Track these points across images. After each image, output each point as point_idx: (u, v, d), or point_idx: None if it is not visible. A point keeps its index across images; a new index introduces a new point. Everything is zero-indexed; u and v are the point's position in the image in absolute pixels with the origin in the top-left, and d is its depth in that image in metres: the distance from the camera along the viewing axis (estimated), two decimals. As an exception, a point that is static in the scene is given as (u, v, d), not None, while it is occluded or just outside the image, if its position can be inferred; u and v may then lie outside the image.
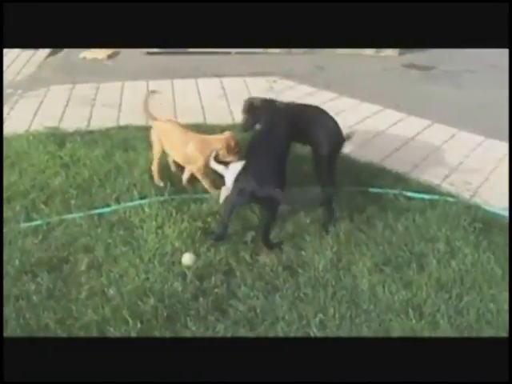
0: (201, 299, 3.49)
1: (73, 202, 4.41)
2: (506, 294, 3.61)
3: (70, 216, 4.23)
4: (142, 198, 4.41)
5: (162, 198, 4.37)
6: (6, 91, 6.79)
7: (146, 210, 4.25)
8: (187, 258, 3.79)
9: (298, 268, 3.79)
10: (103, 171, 4.80)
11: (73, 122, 5.88)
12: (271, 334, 3.28)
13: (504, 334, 3.31)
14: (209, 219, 4.20)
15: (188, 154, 4.42)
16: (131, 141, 5.35)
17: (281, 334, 3.28)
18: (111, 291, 3.53)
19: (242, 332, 3.29)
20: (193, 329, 3.29)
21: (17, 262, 3.76)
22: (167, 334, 3.24)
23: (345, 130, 4.35)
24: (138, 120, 5.59)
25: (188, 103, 6.43)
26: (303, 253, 3.93)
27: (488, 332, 3.33)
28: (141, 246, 3.93)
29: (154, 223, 4.11)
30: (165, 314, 3.38)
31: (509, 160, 5.08)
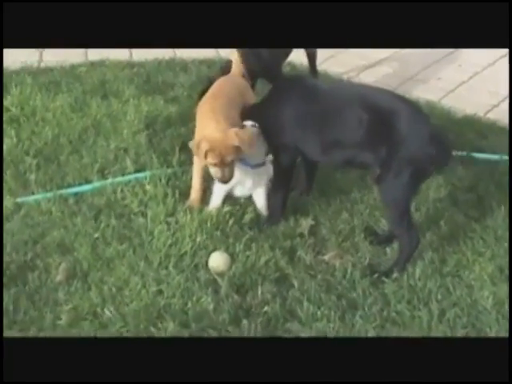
0: (244, 322, 3.21)
1: (32, 176, 4.12)
2: None
3: (30, 198, 3.94)
4: (139, 170, 4.19)
5: (169, 170, 4.13)
6: None
7: (148, 187, 4.00)
8: (217, 260, 3.53)
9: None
10: (75, 130, 4.57)
11: (17, 54, 5.42)
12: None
13: None
14: (242, 199, 3.99)
15: None
16: (112, 83, 5.23)
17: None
18: (107, 312, 3.22)
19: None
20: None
21: None
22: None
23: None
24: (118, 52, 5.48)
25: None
26: (388, 250, 3.69)
27: None
28: (145, 242, 3.65)
29: (161, 207, 3.84)
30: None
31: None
